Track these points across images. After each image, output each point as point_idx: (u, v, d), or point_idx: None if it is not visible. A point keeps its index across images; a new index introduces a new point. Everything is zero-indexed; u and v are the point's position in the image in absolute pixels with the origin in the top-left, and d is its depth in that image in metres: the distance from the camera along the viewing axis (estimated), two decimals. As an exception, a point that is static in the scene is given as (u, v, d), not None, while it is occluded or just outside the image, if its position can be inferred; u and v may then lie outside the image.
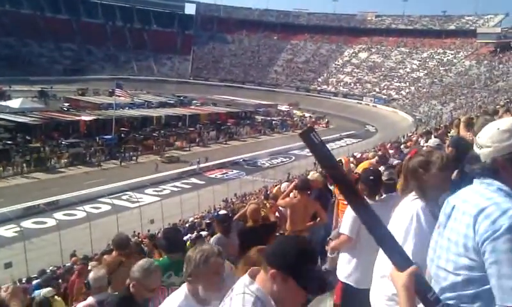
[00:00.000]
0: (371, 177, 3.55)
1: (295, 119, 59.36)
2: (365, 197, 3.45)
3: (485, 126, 1.52)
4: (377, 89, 75.09)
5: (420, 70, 76.08)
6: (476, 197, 1.44)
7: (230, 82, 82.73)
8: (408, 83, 73.89)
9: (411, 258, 1.44)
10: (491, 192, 1.42)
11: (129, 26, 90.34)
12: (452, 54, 76.37)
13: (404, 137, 30.28)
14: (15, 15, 76.03)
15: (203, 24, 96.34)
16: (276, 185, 15.59)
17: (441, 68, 74.22)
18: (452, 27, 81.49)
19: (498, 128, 1.45)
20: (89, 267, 7.19)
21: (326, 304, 4.24)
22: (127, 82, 61.20)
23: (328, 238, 4.15)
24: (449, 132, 9.98)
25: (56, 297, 6.33)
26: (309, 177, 6.81)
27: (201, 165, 33.92)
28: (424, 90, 69.80)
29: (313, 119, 60.62)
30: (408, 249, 1.96)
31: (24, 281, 13.25)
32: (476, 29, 74.90)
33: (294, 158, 39.40)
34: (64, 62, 76.44)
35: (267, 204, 7.05)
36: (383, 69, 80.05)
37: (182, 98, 60.54)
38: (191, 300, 2.09)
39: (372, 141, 42.29)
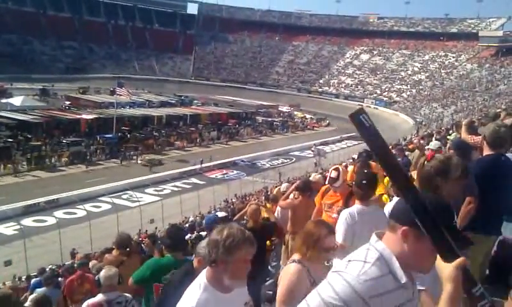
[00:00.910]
0: (364, 181, 3.53)
1: (296, 120, 59.36)
2: (359, 200, 3.47)
3: None
4: (379, 91, 75.13)
5: (422, 73, 76.10)
6: None
7: (232, 83, 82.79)
8: (409, 85, 73.90)
9: None
10: None
11: (131, 25, 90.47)
12: (453, 57, 76.40)
13: (405, 139, 30.29)
14: (17, 12, 76.19)
15: (205, 24, 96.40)
16: (276, 186, 15.61)
17: (442, 71, 74.24)
18: (454, 30, 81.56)
19: None
20: (90, 265, 7.20)
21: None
22: (129, 81, 61.28)
23: None
24: (450, 135, 10.00)
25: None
26: (310, 178, 6.81)
27: (204, 164, 33.93)
28: (425, 93, 69.81)
29: (314, 121, 60.63)
30: None
31: (23, 279, 13.27)
32: (478, 32, 74.95)
33: (294, 159, 39.43)
34: (66, 61, 76.58)
35: (267, 205, 7.05)
36: (384, 71, 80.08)
37: (183, 97, 60.48)
38: (211, 290, 1.91)
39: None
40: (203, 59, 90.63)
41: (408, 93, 72.03)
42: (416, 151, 8.15)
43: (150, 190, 27.24)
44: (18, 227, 19.38)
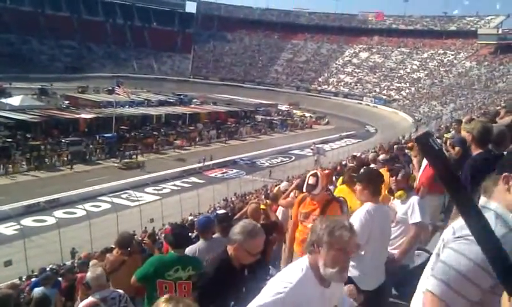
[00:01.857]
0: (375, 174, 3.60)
1: (295, 119, 59.38)
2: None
3: None
4: (378, 90, 75.11)
5: (421, 71, 76.11)
6: None
7: (230, 81, 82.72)
8: (408, 83, 73.91)
9: None
10: None
11: (130, 24, 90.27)
12: (452, 55, 76.42)
13: (404, 137, 30.30)
14: (16, 12, 76.01)
15: (204, 23, 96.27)
16: (276, 185, 15.62)
17: (441, 69, 74.25)
18: (453, 27, 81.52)
19: None
20: (90, 265, 7.21)
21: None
22: (127, 80, 61.22)
23: None
24: (449, 132, 10.01)
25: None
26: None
27: (206, 163, 33.93)
28: (424, 91, 69.83)
29: (314, 119, 60.67)
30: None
31: (24, 279, 13.27)
32: (477, 30, 74.95)
33: (294, 158, 39.46)
34: (65, 60, 76.40)
35: (267, 202, 7.05)
36: (383, 69, 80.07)
37: (182, 96, 60.50)
38: (310, 276, 1.88)
39: (373, 141, 42.33)
40: (201, 57, 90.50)
41: (407, 91, 72.04)
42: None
43: (149, 189, 27.25)
44: (18, 227, 19.40)
